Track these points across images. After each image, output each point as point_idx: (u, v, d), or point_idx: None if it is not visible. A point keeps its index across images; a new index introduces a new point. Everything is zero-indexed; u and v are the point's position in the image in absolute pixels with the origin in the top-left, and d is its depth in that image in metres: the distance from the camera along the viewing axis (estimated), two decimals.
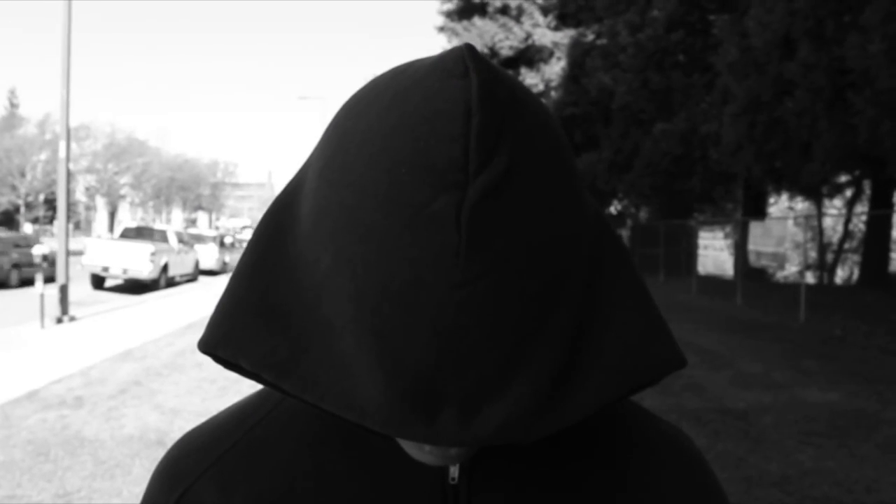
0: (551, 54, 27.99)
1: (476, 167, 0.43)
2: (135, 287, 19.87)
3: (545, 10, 28.75)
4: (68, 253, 12.61)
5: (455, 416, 0.43)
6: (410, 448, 0.54)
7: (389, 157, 0.45)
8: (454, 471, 0.58)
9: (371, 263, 0.44)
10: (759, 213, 22.42)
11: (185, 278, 23.08)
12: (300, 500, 0.58)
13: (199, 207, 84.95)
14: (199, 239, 28.69)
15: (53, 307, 12.00)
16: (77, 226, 67.63)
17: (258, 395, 0.66)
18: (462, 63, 0.46)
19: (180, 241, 23.06)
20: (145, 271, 19.02)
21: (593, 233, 0.52)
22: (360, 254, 0.44)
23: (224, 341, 0.49)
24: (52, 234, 45.92)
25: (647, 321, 0.52)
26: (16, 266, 18.95)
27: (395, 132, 0.45)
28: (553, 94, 27.16)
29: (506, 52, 27.90)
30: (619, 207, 31.16)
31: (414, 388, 0.43)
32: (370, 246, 0.44)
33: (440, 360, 0.43)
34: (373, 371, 0.44)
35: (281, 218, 0.53)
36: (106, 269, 19.05)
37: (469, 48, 0.48)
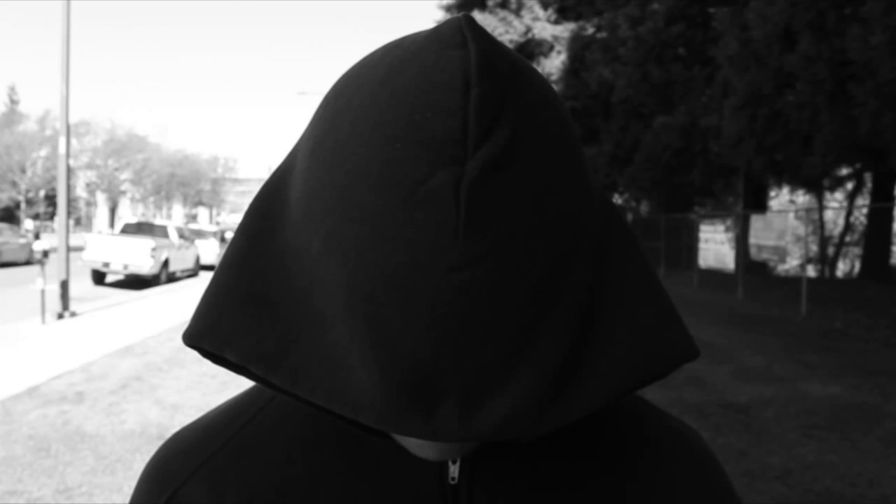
0: (551, 48, 27.94)
1: (475, 141, 0.40)
2: (135, 282, 19.85)
3: (545, 4, 28.70)
4: (69, 249, 12.60)
5: (454, 410, 0.41)
6: (408, 442, 0.51)
7: (383, 134, 0.42)
8: (454, 469, 0.55)
9: (364, 247, 0.41)
10: (760, 206, 22.41)
11: (185, 273, 23.08)
12: (294, 501, 0.55)
13: (199, 203, 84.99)
14: (200, 234, 28.70)
15: (54, 303, 12.00)
16: (78, 222, 67.72)
17: (249, 392, 0.63)
18: (460, 33, 0.44)
19: (181, 236, 23.05)
20: (146, 267, 19.00)
21: (599, 214, 0.49)
22: (352, 237, 0.42)
23: (210, 333, 0.47)
24: (53, 230, 45.93)
25: (657, 309, 0.49)
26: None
27: (390, 107, 0.42)
28: (553, 87, 27.12)
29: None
30: (619, 201, 31.15)
31: (410, 381, 0.41)
32: (363, 228, 0.41)
33: (438, 349, 0.40)
34: (366, 362, 0.41)
35: (270, 203, 0.50)
36: (107, 265, 19.05)
37: (467, 18, 0.45)
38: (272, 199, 0.51)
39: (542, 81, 0.47)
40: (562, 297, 0.44)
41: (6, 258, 25.30)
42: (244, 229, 0.50)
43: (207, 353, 0.48)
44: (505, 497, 0.55)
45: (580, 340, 0.45)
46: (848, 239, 25.75)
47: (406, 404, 0.41)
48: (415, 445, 0.51)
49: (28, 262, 26.02)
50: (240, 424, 0.60)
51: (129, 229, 21.93)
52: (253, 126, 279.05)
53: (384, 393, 0.41)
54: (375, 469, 0.55)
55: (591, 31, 26.23)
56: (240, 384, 7.15)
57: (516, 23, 28.30)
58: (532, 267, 0.42)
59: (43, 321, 11.12)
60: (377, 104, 0.43)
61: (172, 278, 21.37)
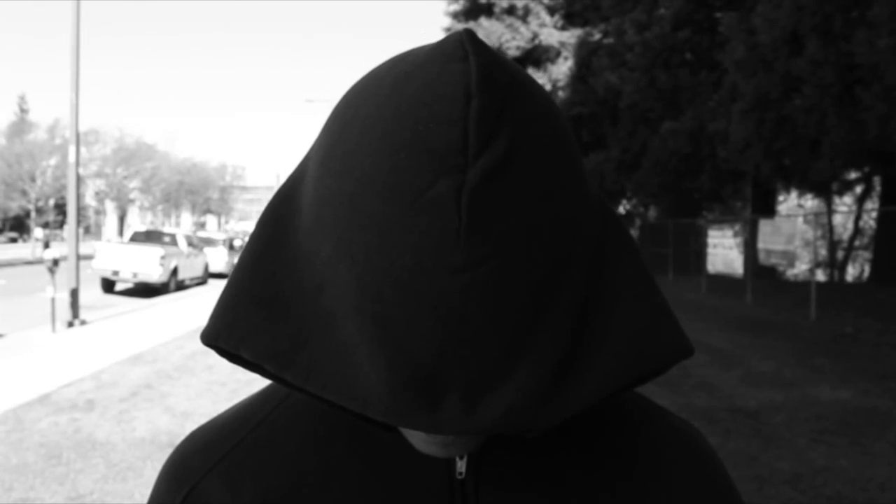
0: (558, 54, 27.96)
1: (476, 150, 0.43)
2: (145, 291, 19.93)
3: (551, 10, 28.73)
4: (79, 257, 12.66)
5: (458, 403, 0.43)
6: (415, 439, 0.53)
7: (389, 143, 0.44)
8: (461, 465, 0.58)
9: (372, 251, 0.44)
10: (769, 210, 22.33)
11: (194, 281, 23.13)
12: (307, 496, 0.57)
13: (207, 211, 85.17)
14: (209, 242, 28.79)
15: (64, 311, 12.06)
16: (87, 230, 68.01)
17: (262, 393, 0.66)
18: (461, 47, 0.46)
19: (190, 244, 23.13)
20: (155, 275, 19.09)
21: (596, 219, 0.52)
22: (360, 241, 0.44)
23: (226, 333, 0.49)
24: (63, 239, 46.11)
25: (651, 308, 0.51)
26: None
27: (395, 118, 0.45)
28: (560, 93, 27.11)
29: (513, 52, 27.87)
30: (627, 207, 31.08)
31: (416, 376, 0.43)
32: (371, 233, 0.44)
33: (443, 346, 0.42)
34: (374, 359, 0.43)
35: (283, 209, 0.53)
36: (116, 273, 19.13)
37: (468, 33, 0.47)
38: (285, 205, 0.53)
39: (540, 92, 0.50)
40: (560, 296, 0.46)
41: None
42: (258, 234, 0.53)
43: (224, 352, 0.50)
44: (511, 492, 0.58)
45: (577, 338, 0.47)
46: (857, 243, 25.62)
47: (412, 399, 0.43)
48: (422, 443, 0.53)
49: None
50: (254, 423, 0.62)
51: (138, 237, 22.03)
52: (261, 134, 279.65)
53: (391, 388, 0.43)
54: (385, 464, 0.58)
55: (597, 36, 26.23)
56: (249, 392, 7.16)
57: (523, 29, 28.33)
58: (531, 268, 0.44)
59: (53, 329, 11.18)
60: (383, 115, 0.46)
61: (181, 286, 21.44)
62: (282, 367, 0.47)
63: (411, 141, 0.44)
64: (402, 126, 0.44)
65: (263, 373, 0.50)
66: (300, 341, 0.47)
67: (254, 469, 0.59)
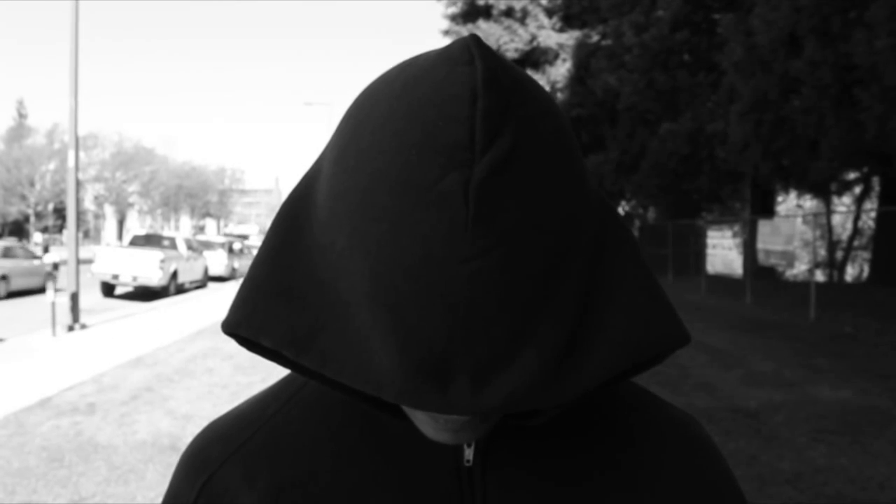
0: (556, 56, 27.96)
1: (482, 147, 0.45)
2: (145, 294, 19.96)
3: (550, 12, 28.74)
4: (78, 261, 12.66)
5: (466, 385, 0.45)
6: (426, 427, 0.55)
7: (401, 141, 0.47)
8: (469, 453, 0.60)
9: (385, 242, 0.46)
10: (768, 211, 22.35)
11: (194, 285, 23.16)
12: (322, 483, 0.60)
13: (207, 214, 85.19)
14: (208, 245, 28.81)
15: (64, 315, 12.06)
16: (86, 234, 67.98)
17: (277, 385, 0.68)
18: (468, 51, 0.49)
19: (189, 247, 23.15)
20: (155, 278, 19.10)
21: (596, 214, 0.54)
22: (374, 233, 0.46)
23: (246, 322, 0.52)
24: (62, 244, 46.08)
25: (649, 298, 0.54)
26: None
27: (406, 118, 0.47)
28: (559, 95, 27.11)
29: (511, 54, 27.88)
30: (626, 208, 31.11)
31: (427, 360, 0.45)
32: (383, 225, 0.46)
33: (452, 332, 0.45)
34: (387, 344, 0.46)
35: (298, 206, 0.56)
36: (116, 277, 19.14)
37: (474, 38, 0.50)
38: (300, 201, 0.56)
39: (542, 93, 0.52)
40: (561, 285, 0.48)
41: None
42: (275, 230, 0.56)
43: (244, 341, 0.53)
44: (516, 478, 0.60)
45: (578, 325, 0.50)
46: (856, 243, 25.65)
47: (423, 381, 0.45)
48: (432, 430, 0.55)
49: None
50: (269, 414, 0.65)
51: (137, 241, 22.04)
52: (259, 137, 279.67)
53: (403, 372, 0.45)
54: (396, 453, 0.61)
55: (596, 38, 26.25)
56: (250, 394, 7.17)
57: (521, 31, 28.35)
58: (534, 258, 0.46)
59: (53, 333, 11.18)
60: (395, 115, 0.48)
61: (181, 290, 21.45)
62: (299, 353, 0.49)
63: (421, 139, 0.46)
64: (412, 125, 0.47)
65: (281, 360, 0.52)
66: (317, 329, 0.49)
67: (269, 458, 0.62)
